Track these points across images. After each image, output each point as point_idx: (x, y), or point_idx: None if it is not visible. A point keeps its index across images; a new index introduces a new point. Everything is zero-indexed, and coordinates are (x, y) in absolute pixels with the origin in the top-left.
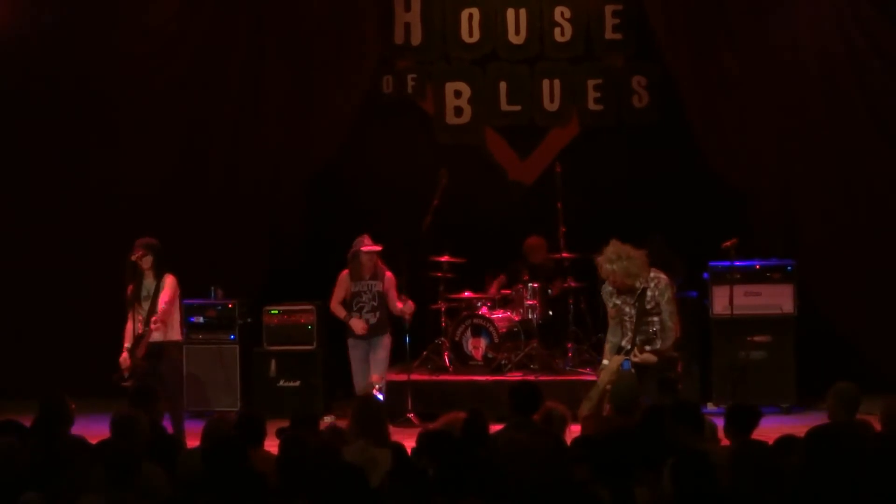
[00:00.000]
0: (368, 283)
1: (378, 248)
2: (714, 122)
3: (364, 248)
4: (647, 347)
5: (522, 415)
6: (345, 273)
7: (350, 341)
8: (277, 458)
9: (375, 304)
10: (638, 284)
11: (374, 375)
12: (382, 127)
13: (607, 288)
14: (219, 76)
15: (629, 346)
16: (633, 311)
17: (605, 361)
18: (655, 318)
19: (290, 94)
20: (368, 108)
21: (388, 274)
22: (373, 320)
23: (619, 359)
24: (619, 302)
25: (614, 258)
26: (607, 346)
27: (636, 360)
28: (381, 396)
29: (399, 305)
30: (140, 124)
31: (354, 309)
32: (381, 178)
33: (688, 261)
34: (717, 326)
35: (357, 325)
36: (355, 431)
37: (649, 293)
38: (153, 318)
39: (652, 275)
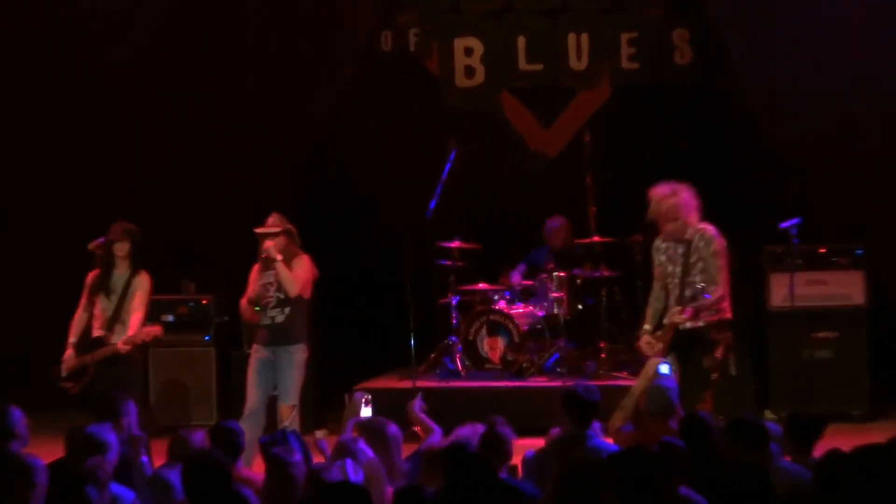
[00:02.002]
0: (274, 273)
1: (275, 230)
2: (767, 83)
3: (257, 230)
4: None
5: (578, 426)
6: (256, 265)
7: (253, 348)
8: (265, 481)
9: (283, 297)
10: (686, 235)
11: (284, 406)
12: (381, 91)
13: (657, 241)
14: (194, 40)
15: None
16: (678, 269)
17: (646, 326)
18: (699, 279)
19: (273, 59)
20: (364, 70)
21: (306, 258)
22: (280, 318)
23: (655, 361)
24: (664, 258)
25: (669, 193)
26: (649, 311)
27: (674, 319)
28: (368, 410)
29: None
30: (105, 95)
31: (259, 306)
32: (380, 151)
33: (740, 244)
34: (775, 321)
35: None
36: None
37: (693, 244)
38: (123, 339)
39: (700, 226)
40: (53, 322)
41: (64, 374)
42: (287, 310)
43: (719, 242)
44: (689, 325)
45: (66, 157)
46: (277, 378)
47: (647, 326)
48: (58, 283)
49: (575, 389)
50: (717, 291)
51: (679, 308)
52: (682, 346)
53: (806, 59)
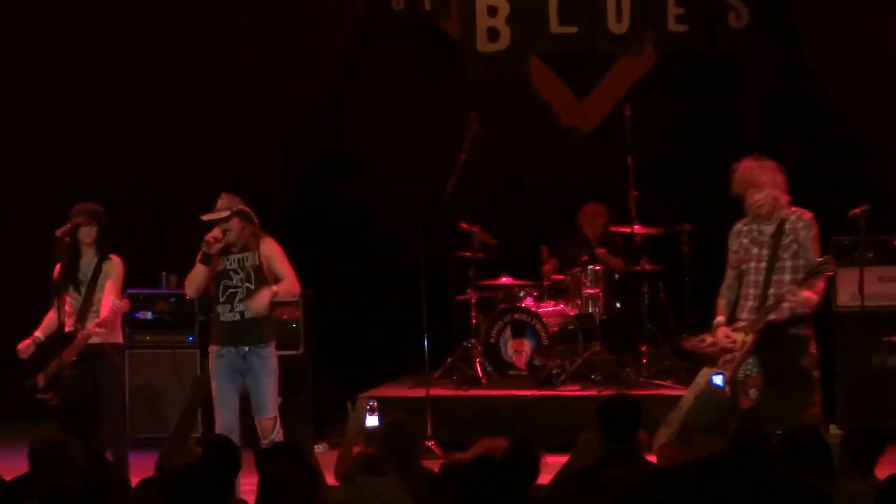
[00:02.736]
0: (239, 258)
1: (223, 214)
2: (838, 48)
3: (204, 217)
4: (785, 306)
5: (619, 441)
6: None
7: (212, 349)
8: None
9: (253, 287)
10: (775, 213)
11: (264, 420)
12: (390, 57)
13: (737, 225)
14: None
15: (754, 317)
16: (765, 252)
17: (719, 318)
18: (789, 265)
19: (262, 19)
20: (371, 31)
21: (270, 240)
22: (249, 313)
23: (708, 372)
24: (746, 241)
25: (760, 164)
26: (722, 302)
27: (791, 301)
28: (374, 419)
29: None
30: (69, 63)
31: (223, 299)
32: (389, 125)
33: None
34: (841, 322)
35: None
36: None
37: (788, 225)
38: (96, 321)
39: (794, 208)
40: (20, 322)
41: (42, 384)
42: None
43: (817, 229)
44: (772, 316)
45: (27, 135)
46: (251, 387)
47: (720, 318)
48: (22, 280)
49: (614, 400)
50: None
51: (793, 286)
52: (765, 343)
53: (886, 23)
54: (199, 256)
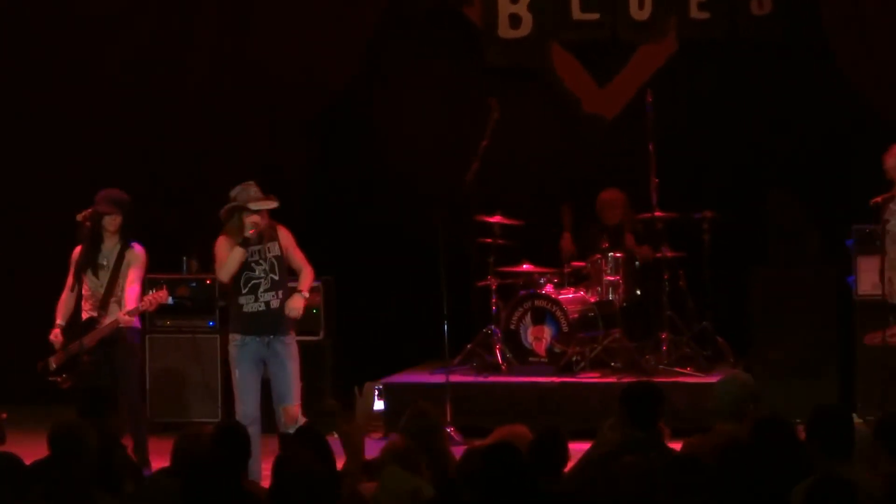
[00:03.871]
0: (260, 249)
1: (273, 205)
2: (862, 35)
3: (252, 205)
4: None
5: (640, 428)
6: (224, 237)
7: (234, 338)
8: (270, 488)
9: (277, 278)
10: None
11: (290, 407)
12: (412, 44)
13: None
14: None
15: None
16: None
17: None
18: None
19: (284, 7)
20: (392, 18)
21: (284, 229)
22: (275, 303)
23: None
24: None
25: None
26: None
27: None
28: (381, 403)
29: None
30: (92, 46)
31: (246, 290)
32: (410, 112)
33: (824, 222)
34: (864, 311)
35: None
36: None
37: None
38: (127, 310)
39: None
40: (38, 306)
41: (54, 366)
42: (281, 293)
43: None
44: None
45: (46, 118)
46: (276, 375)
47: None
48: (41, 263)
49: (635, 386)
50: None
51: None
52: None
53: None
54: (238, 241)
